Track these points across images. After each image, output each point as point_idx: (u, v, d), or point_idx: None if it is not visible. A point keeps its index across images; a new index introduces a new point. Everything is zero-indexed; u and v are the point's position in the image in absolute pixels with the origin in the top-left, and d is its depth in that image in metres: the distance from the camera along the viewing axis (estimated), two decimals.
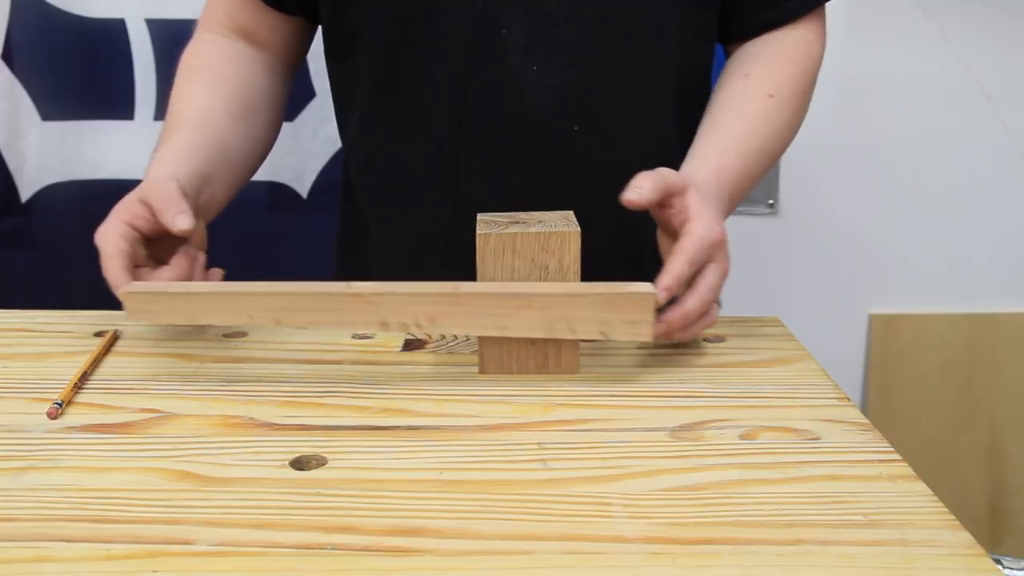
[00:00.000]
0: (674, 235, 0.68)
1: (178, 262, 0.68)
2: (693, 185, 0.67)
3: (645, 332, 0.62)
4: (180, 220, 0.67)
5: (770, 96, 0.79)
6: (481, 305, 0.62)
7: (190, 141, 0.76)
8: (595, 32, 0.76)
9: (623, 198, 0.65)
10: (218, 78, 0.82)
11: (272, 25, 0.86)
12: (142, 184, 0.71)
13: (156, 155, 0.76)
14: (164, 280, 0.67)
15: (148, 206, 0.68)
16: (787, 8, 0.82)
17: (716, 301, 0.68)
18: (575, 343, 0.65)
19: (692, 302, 0.65)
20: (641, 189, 0.65)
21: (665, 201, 0.66)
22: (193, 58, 0.85)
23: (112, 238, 0.67)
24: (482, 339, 0.65)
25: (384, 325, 0.62)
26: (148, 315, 0.64)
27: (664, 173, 0.67)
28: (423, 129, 0.80)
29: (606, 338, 0.63)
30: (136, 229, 0.68)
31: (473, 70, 0.77)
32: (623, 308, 0.62)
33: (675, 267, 0.64)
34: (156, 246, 0.70)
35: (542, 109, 0.77)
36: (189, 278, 0.69)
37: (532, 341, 0.65)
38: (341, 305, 0.62)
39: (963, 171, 1.60)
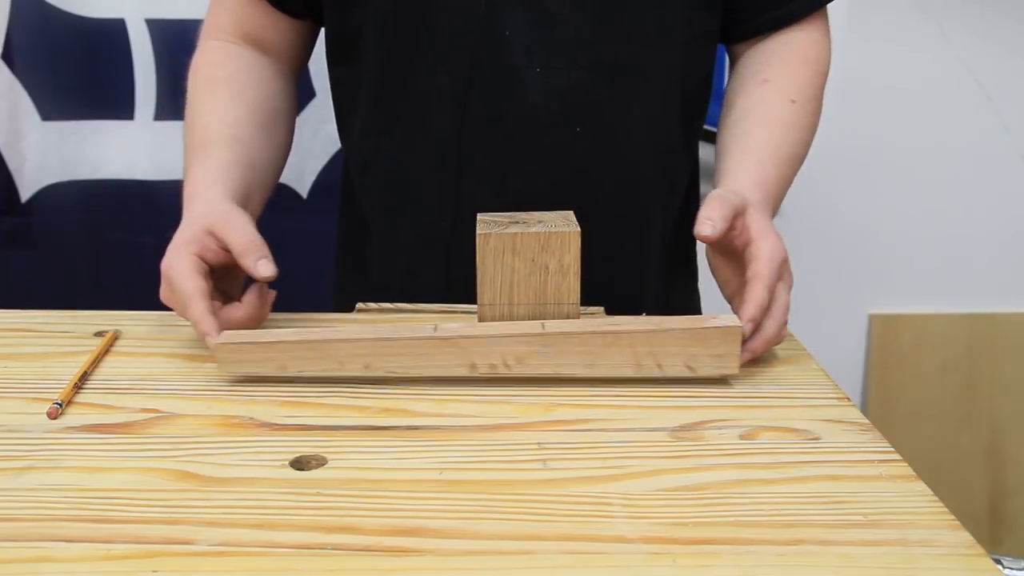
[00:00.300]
0: (733, 255, 0.68)
1: (251, 300, 0.67)
2: (751, 204, 0.67)
3: (732, 365, 0.62)
4: (262, 267, 0.66)
5: (792, 101, 0.79)
6: (569, 344, 0.62)
7: (229, 159, 0.75)
8: (598, 33, 0.76)
9: (697, 234, 0.64)
10: (237, 88, 0.81)
11: (281, 30, 0.85)
12: (203, 211, 0.69)
13: (195, 173, 0.74)
14: (239, 318, 0.67)
15: (218, 239, 0.67)
16: (791, 8, 0.82)
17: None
18: None
19: (772, 327, 0.65)
20: (713, 221, 0.64)
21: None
22: (207, 68, 0.83)
23: (187, 273, 0.65)
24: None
25: (473, 367, 0.63)
26: (239, 365, 0.63)
27: (727, 197, 0.66)
28: (425, 130, 0.79)
29: (693, 373, 0.62)
30: (206, 262, 0.67)
31: (475, 71, 0.76)
32: (710, 342, 0.62)
33: (757, 296, 0.64)
34: (216, 275, 0.68)
35: (544, 110, 0.77)
36: (261, 316, 0.68)
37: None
38: (431, 349, 0.62)
39: (963, 171, 1.60)
